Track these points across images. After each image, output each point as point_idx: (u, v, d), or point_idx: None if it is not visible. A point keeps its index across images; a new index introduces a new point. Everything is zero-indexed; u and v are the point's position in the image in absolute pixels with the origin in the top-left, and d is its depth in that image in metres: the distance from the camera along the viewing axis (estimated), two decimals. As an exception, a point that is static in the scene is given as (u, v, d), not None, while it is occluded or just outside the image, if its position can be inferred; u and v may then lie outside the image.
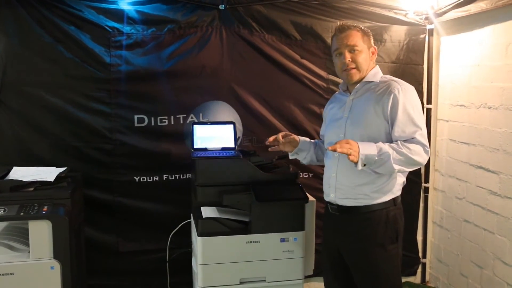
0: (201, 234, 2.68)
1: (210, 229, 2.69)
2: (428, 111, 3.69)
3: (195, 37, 3.34)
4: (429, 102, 3.70)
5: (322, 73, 3.54)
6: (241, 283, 2.75)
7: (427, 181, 3.79)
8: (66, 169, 2.90)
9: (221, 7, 3.32)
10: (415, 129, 2.21)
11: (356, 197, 2.33)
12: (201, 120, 3.41)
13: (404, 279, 3.63)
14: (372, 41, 2.38)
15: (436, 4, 3.46)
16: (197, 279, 2.79)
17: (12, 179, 2.68)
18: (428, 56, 3.68)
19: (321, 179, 3.54)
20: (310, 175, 3.61)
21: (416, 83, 3.55)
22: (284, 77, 3.49)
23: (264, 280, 2.78)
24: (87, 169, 3.23)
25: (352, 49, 2.30)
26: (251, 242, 2.73)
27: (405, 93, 2.25)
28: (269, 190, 2.75)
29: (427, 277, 3.94)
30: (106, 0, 3.19)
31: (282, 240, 2.77)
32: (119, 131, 3.30)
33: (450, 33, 3.52)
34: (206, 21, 3.34)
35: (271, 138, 2.59)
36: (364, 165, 2.18)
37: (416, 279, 3.92)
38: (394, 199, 2.34)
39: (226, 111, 3.45)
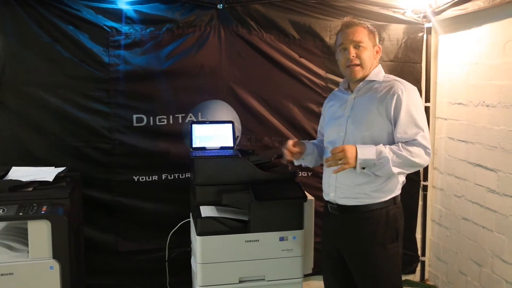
0: (200, 233, 2.68)
1: (209, 228, 2.69)
2: (427, 109, 3.69)
3: (194, 36, 3.34)
4: (427, 100, 3.71)
5: (321, 71, 3.55)
6: (240, 282, 2.75)
7: (426, 179, 3.80)
8: (65, 169, 2.90)
9: (220, 6, 3.32)
10: (417, 131, 2.20)
11: (356, 196, 2.31)
12: (200, 119, 3.41)
13: (403, 277, 3.63)
14: (377, 39, 2.36)
15: (434, 2, 3.47)
16: (196, 278, 2.79)
17: (11, 179, 2.68)
18: (426, 55, 3.68)
19: (320, 178, 3.55)
20: (309, 173, 3.62)
21: (415, 81, 3.55)
22: (282, 76, 3.50)
23: (263, 279, 2.78)
24: (86, 168, 3.23)
25: (357, 45, 2.28)
26: (250, 241, 2.73)
27: (409, 93, 2.24)
28: (268, 189, 2.75)
29: (426, 275, 3.94)
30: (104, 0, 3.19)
31: (281, 239, 2.77)
32: (118, 131, 3.30)
33: (448, 32, 3.52)
34: (204, 20, 3.34)
35: (290, 152, 2.49)
36: (363, 168, 2.18)
37: (415, 277, 3.93)
38: (394, 198, 2.33)
39: (224, 110, 3.45)
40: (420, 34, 3.63)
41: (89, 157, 3.28)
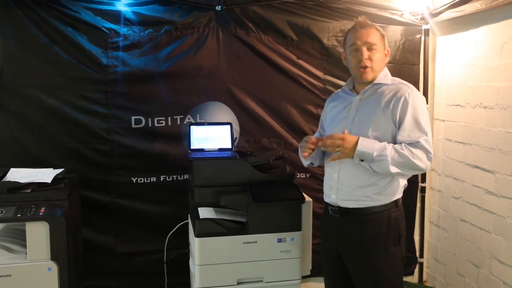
0: (198, 234, 2.69)
1: (208, 229, 2.69)
2: (425, 111, 3.70)
3: (192, 38, 3.35)
4: (425, 102, 3.71)
5: (319, 73, 3.55)
6: (238, 283, 2.75)
7: (424, 180, 3.80)
8: (63, 170, 2.90)
9: (218, 8, 3.33)
10: (420, 134, 2.20)
11: (358, 199, 2.30)
12: (198, 121, 3.41)
13: (401, 279, 3.64)
14: (386, 43, 2.35)
15: (432, 4, 3.48)
16: (194, 279, 2.79)
17: (9, 181, 2.68)
18: (424, 56, 3.68)
19: (318, 179, 3.59)
20: (307, 175, 3.62)
21: (413, 83, 3.46)
22: (280, 78, 3.50)
23: (262, 281, 2.78)
24: (84, 170, 3.23)
25: (370, 47, 2.26)
26: (248, 242, 2.74)
27: (415, 97, 2.24)
28: (266, 191, 2.76)
29: (425, 277, 3.95)
30: (103, 1, 3.19)
31: (279, 240, 2.77)
32: (116, 132, 3.30)
33: (446, 33, 3.53)
34: (202, 22, 3.35)
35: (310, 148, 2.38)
36: (362, 160, 2.19)
37: (414, 278, 3.93)
38: (395, 201, 2.32)
39: (223, 111, 3.46)
40: (418, 36, 3.64)
41: (87, 158, 3.28)
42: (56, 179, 2.76)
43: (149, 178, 3.39)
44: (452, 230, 3.52)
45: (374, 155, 2.15)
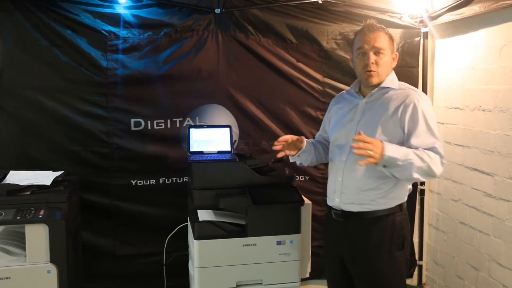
0: (197, 237, 2.69)
1: (207, 232, 2.70)
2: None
3: (191, 40, 3.36)
4: (424, 104, 3.71)
5: (318, 76, 3.56)
6: (237, 286, 2.76)
7: (423, 183, 3.80)
8: (62, 173, 2.90)
9: (217, 11, 3.33)
10: (434, 140, 2.18)
11: (362, 203, 2.27)
12: (198, 123, 3.42)
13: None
14: (395, 47, 2.32)
15: (431, 7, 3.48)
16: (193, 282, 2.79)
17: (9, 183, 2.68)
18: (423, 59, 3.69)
19: (317, 182, 3.59)
20: (306, 178, 3.62)
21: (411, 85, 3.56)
22: (280, 80, 3.51)
23: (261, 283, 2.78)
24: (83, 172, 3.23)
25: (377, 52, 2.23)
26: (247, 245, 2.74)
27: (424, 103, 2.21)
28: (265, 193, 2.76)
29: (424, 279, 3.95)
30: (102, 4, 3.20)
31: (279, 243, 2.77)
32: (116, 135, 3.31)
33: (445, 36, 3.54)
34: (202, 25, 3.36)
35: (279, 142, 2.44)
36: (385, 166, 2.11)
37: (413, 281, 3.93)
38: (400, 205, 2.29)
39: (222, 114, 3.46)
40: (416, 39, 3.65)
41: (87, 161, 3.28)
42: (55, 181, 2.76)
43: (148, 181, 3.39)
44: (451, 233, 3.52)
45: (400, 160, 2.08)
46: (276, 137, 3.47)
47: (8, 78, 3.12)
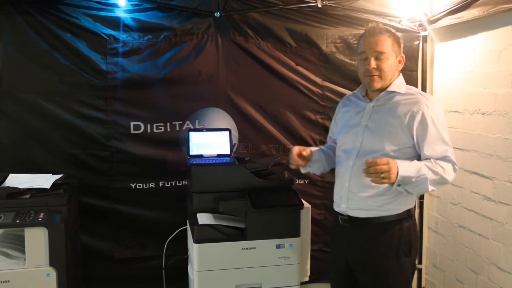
0: (197, 240, 2.69)
1: (206, 235, 2.70)
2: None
3: (191, 44, 3.36)
4: (423, 108, 3.72)
5: (317, 79, 3.56)
6: (237, 289, 2.76)
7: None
8: (62, 176, 2.90)
9: (217, 14, 3.34)
10: (446, 148, 2.15)
11: (368, 208, 2.24)
12: (197, 127, 3.42)
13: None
14: (401, 48, 2.27)
15: (430, 11, 3.49)
16: (193, 285, 2.79)
17: (8, 186, 2.68)
18: (422, 63, 3.69)
19: (317, 185, 3.59)
20: (306, 181, 3.62)
21: None
22: (279, 84, 3.51)
23: (260, 287, 2.79)
24: (83, 176, 3.23)
25: (378, 56, 2.19)
26: (247, 248, 2.74)
27: (434, 109, 2.18)
28: (264, 197, 2.76)
29: (423, 283, 3.94)
30: (102, 8, 3.20)
31: (278, 246, 2.77)
32: (116, 138, 3.31)
33: (444, 40, 3.55)
34: (201, 28, 3.36)
35: (295, 161, 2.37)
36: (399, 185, 2.07)
37: (413, 285, 3.92)
38: (408, 211, 2.26)
39: (222, 117, 3.46)
40: (416, 43, 3.65)
41: (86, 164, 3.28)
42: (55, 184, 2.76)
43: (148, 184, 3.39)
44: (450, 236, 3.52)
45: (414, 177, 2.05)
46: (275, 140, 3.52)
47: (8, 81, 3.12)
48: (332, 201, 2.43)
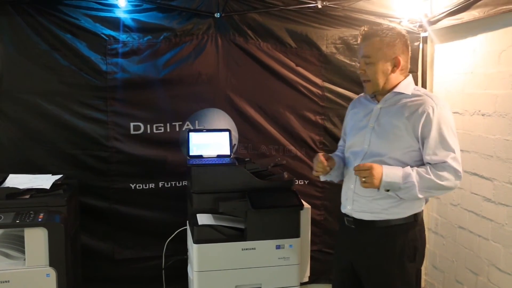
0: (196, 241, 2.69)
1: (206, 236, 2.70)
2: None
3: (191, 45, 3.36)
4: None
5: (317, 80, 3.56)
6: (236, 290, 2.76)
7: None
8: (62, 177, 2.90)
9: (217, 15, 3.34)
10: (447, 153, 2.10)
11: (373, 211, 2.22)
12: (197, 127, 3.42)
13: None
14: (397, 51, 2.17)
15: (430, 12, 3.49)
16: (193, 286, 2.79)
17: (8, 187, 2.69)
18: (422, 64, 3.69)
19: (317, 186, 3.59)
20: (306, 182, 3.62)
21: None
22: (279, 85, 3.51)
23: (260, 287, 2.78)
24: (83, 176, 3.23)
25: (366, 61, 2.18)
26: (246, 249, 2.74)
27: (440, 111, 2.12)
28: (264, 197, 2.76)
29: (423, 284, 3.94)
30: (102, 8, 3.21)
31: (278, 247, 2.78)
32: (115, 139, 3.31)
33: (444, 41, 3.55)
34: (201, 29, 3.36)
35: (322, 168, 2.32)
36: (388, 190, 2.10)
37: (412, 285, 3.92)
38: (415, 215, 2.23)
39: (221, 118, 3.46)
40: (416, 43, 3.65)
41: (86, 164, 3.28)
42: (55, 185, 2.77)
43: (147, 184, 3.39)
44: (450, 237, 3.52)
45: (401, 183, 2.07)
46: (275, 141, 3.52)
47: (8, 81, 3.12)
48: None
